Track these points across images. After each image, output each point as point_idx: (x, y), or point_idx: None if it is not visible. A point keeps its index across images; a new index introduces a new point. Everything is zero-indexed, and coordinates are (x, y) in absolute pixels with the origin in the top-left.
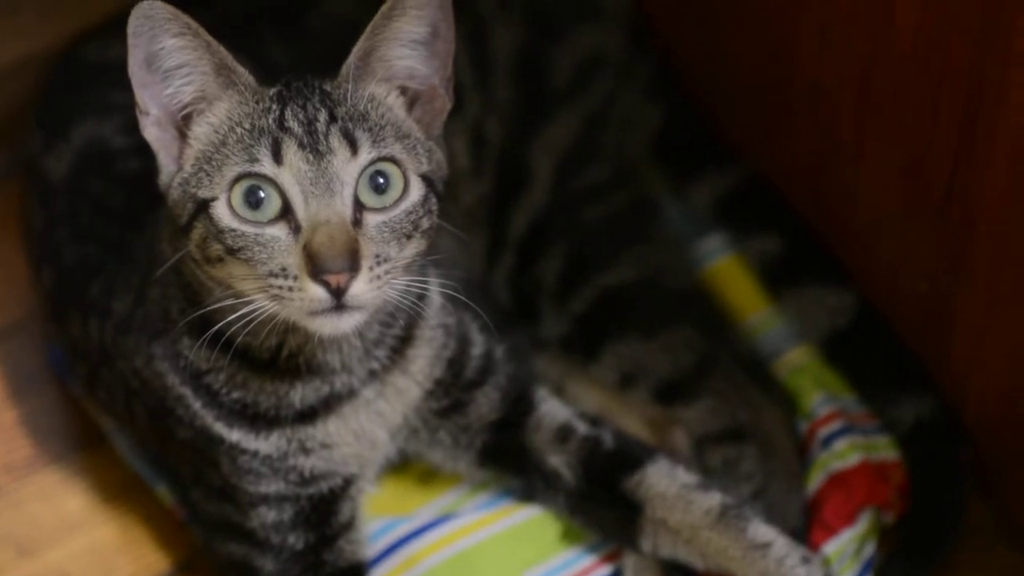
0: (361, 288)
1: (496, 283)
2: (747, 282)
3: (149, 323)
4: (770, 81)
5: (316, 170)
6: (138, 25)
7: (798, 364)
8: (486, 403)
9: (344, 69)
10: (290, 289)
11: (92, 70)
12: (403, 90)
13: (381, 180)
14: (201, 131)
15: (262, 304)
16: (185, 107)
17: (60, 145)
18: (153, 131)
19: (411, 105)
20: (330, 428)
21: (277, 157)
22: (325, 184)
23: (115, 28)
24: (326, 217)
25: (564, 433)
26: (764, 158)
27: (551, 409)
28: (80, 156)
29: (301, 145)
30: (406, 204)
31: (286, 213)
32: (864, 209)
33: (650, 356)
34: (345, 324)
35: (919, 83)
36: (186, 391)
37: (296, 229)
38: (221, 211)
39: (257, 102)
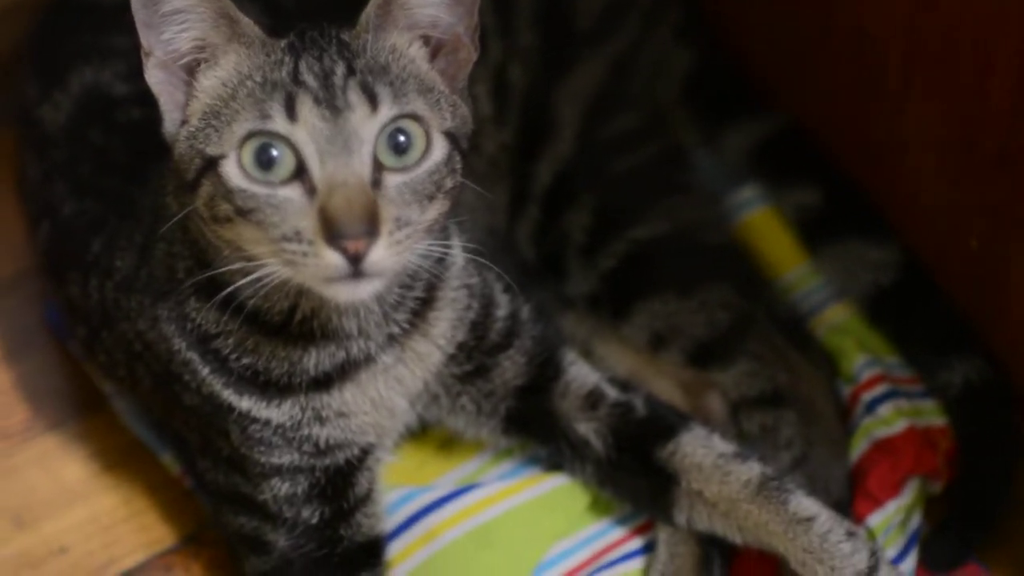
0: (380, 254)
1: (519, 238)
2: (784, 236)
3: (154, 283)
4: (809, 24)
5: (333, 127)
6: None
7: (839, 324)
8: (511, 367)
9: (363, 18)
10: (304, 254)
11: (91, 12)
12: (426, 40)
13: (402, 138)
14: (208, 84)
15: (274, 269)
16: (184, 56)
17: (57, 93)
18: (157, 74)
19: (434, 55)
20: (346, 396)
21: (291, 113)
22: (343, 142)
23: None
24: (343, 178)
25: (593, 399)
26: (801, 105)
27: (579, 373)
28: (79, 104)
29: (317, 100)
30: (428, 164)
31: (300, 173)
32: (910, 161)
33: (683, 315)
34: (363, 291)
35: (973, 29)
36: (193, 355)
37: (311, 191)
38: (230, 170)
39: (268, 54)
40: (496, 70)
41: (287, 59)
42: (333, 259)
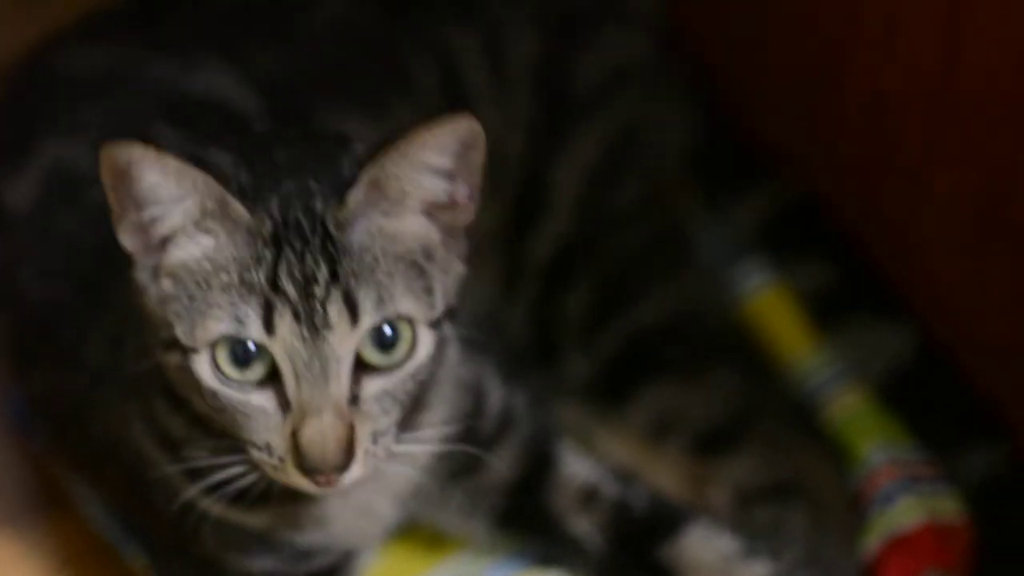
0: (354, 475)
1: (513, 319)
2: (793, 316)
3: (123, 379)
4: (821, 88)
5: (311, 348)
6: (111, 177)
7: (850, 407)
8: (504, 462)
9: (351, 202)
10: (274, 468)
11: (58, 82)
12: (421, 206)
13: (388, 332)
14: (180, 258)
15: (242, 471)
16: (163, 236)
17: (21, 170)
18: (128, 237)
19: (430, 214)
20: (328, 503)
21: (268, 325)
22: (320, 366)
23: (89, 31)
24: (318, 405)
25: (590, 494)
26: (813, 176)
27: (575, 466)
28: (46, 183)
29: (296, 315)
30: (412, 365)
31: (275, 379)
32: (930, 237)
33: (687, 402)
34: (339, 488)
35: (1008, 93)
36: (161, 458)
37: (285, 404)
38: (202, 368)
39: (248, 244)
40: (492, 143)
41: (267, 254)
42: (303, 483)
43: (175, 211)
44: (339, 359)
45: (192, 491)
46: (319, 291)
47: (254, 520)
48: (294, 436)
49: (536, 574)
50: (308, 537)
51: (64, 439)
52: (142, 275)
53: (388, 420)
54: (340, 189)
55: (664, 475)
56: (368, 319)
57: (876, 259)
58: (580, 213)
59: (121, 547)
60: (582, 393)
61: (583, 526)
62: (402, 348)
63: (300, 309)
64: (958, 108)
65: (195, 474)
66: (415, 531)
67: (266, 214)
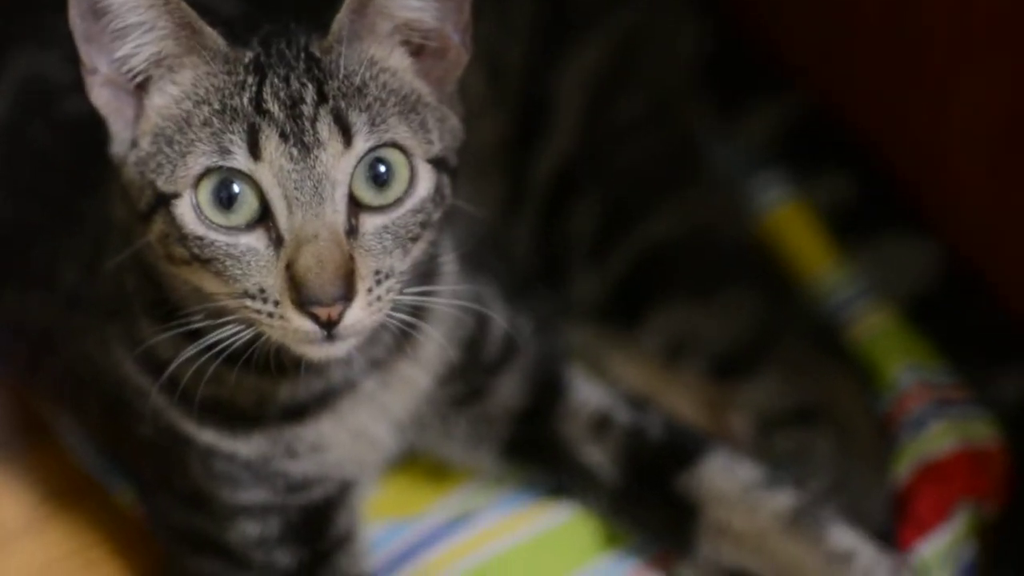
0: (357, 316)
1: (518, 240)
2: (813, 232)
3: (101, 300)
4: None
5: (302, 168)
6: (79, 10)
7: (876, 328)
8: (510, 389)
9: (335, 25)
10: (270, 315)
11: None
12: (409, 43)
13: (382, 168)
14: (161, 102)
15: (236, 329)
16: (139, 74)
17: None
18: (103, 93)
19: (418, 56)
20: (324, 427)
21: (254, 149)
22: (312, 187)
23: None
24: (314, 231)
25: (602, 422)
26: (830, 87)
27: (586, 393)
28: (17, 95)
29: (283, 135)
30: (412, 202)
31: (265, 218)
32: (955, 153)
33: (703, 322)
34: (337, 351)
35: None
36: (146, 382)
37: (277, 240)
38: (185, 212)
39: (229, 72)
40: (490, 51)
41: (250, 80)
42: (302, 324)
43: (146, 40)
44: (334, 182)
45: (177, 414)
46: (307, 110)
47: (245, 448)
48: (290, 270)
49: (546, 506)
50: (303, 465)
51: (38, 367)
52: (119, 147)
53: (391, 261)
54: (324, 27)
55: (680, 401)
56: (362, 141)
57: (897, 173)
58: (584, 125)
59: (106, 481)
60: (592, 315)
61: (595, 455)
62: (399, 185)
63: (288, 128)
64: (986, 9)
65: (183, 395)
66: (417, 462)
67: (246, 47)
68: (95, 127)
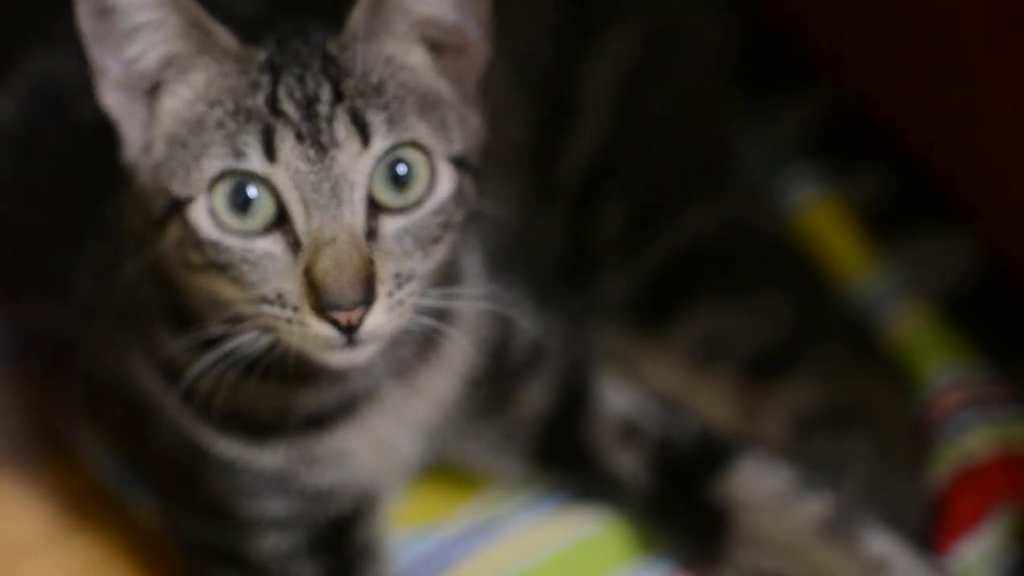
0: (378, 320)
1: (544, 240)
2: (848, 228)
3: (119, 307)
4: None
5: (319, 170)
6: (88, 11)
7: (912, 325)
8: (536, 394)
9: (351, 22)
10: (288, 321)
11: None
12: (428, 40)
13: (402, 169)
14: (173, 106)
15: (253, 335)
16: (148, 76)
17: (6, 84)
18: (114, 96)
19: (438, 54)
20: (346, 437)
21: (269, 151)
22: (330, 189)
23: None
24: (332, 234)
25: (631, 427)
26: (864, 78)
27: (614, 397)
28: (32, 96)
29: (299, 136)
30: (433, 202)
31: (282, 221)
32: (994, 141)
33: (736, 321)
34: (358, 357)
35: None
36: (164, 392)
37: (295, 244)
38: (200, 217)
39: (242, 72)
40: (516, 48)
41: (264, 80)
42: (322, 330)
43: (156, 40)
44: (352, 183)
45: (196, 425)
46: (323, 109)
47: (266, 459)
48: (308, 275)
49: (574, 512)
50: (325, 476)
51: (57, 375)
52: (131, 152)
53: (412, 264)
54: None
55: (713, 403)
56: (381, 140)
57: (934, 167)
58: (613, 122)
59: (125, 493)
60: (622, 315)
61: (624, 462)
62: (419, 186)
63: (303, 129)
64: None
65: (201, 405)
66: (443, 470)
67: (259, 46)
68: (111, 130)
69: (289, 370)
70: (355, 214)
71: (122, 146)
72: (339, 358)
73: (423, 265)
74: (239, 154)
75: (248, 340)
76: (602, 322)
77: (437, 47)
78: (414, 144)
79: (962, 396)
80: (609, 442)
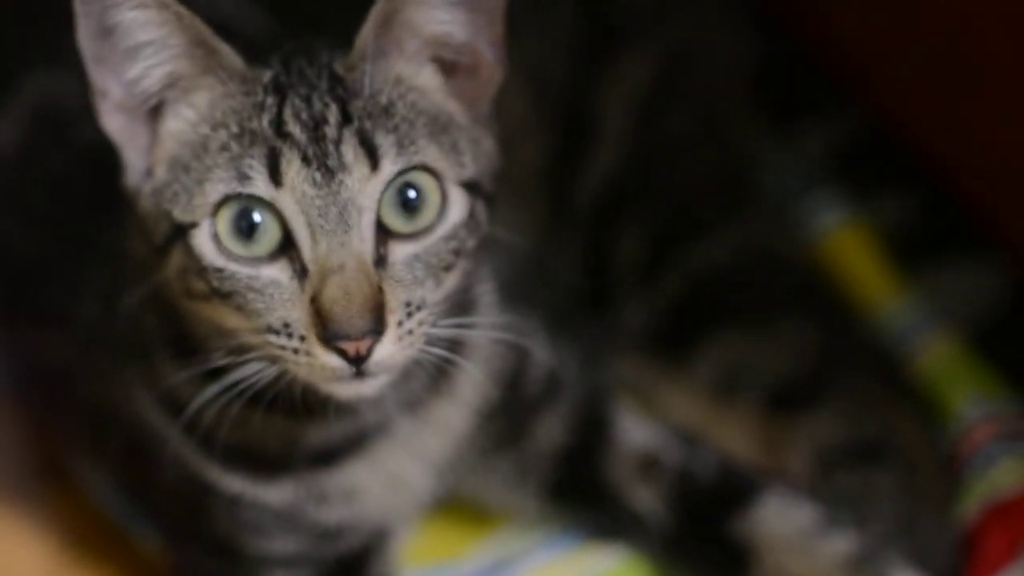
0: (387, 351)
1: (561, 267)
2: (872, 255)
3: (121, 336)
4: (898, 4)
5: (326, 194)
6: (89, 30)
7: (941, 357)
8: (552, 427)
9: (359, 42)
10: (295, 351)
11: (42, 10)
12: (438, 61)
13: (412, 194)
14: (175, 127)
15: (259, 367)
16: (152, 97)
17: (6, 107)
18: (115, 119)
19: (449, 75)
20: (356, 472)
21: (275, 175)
22: (337, 214)
23: None
24: (339, 260)
25: (650, 462)
26: (890, 100)
27: (633, 431)
28: (33, 119)
29: (306, 159)
30: (445, 228)
31: (288, 247)
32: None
33: (759, 351)
34: (367, 389)
35: None
36: (167, 425)
37: (302, 272)
38: (203, 243)
39: (247, 93)
40: (532, 70)
41: (270, 101)
42: (330, 360)
43: (159, 60)
44: (360, 208)
45: (201, 461)
46: (331, 132)
47: (273, 495)
48: (315, 303)
49: (591, 550)
50: (334, 513)
51: (58, 407)
52: (133, 177)
53: (423, 292)
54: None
55: (734, 436)
56: (390, 164)
57: (962, 191)
58: (631, 145)
59: (129, 527)
60: (640, 345)
61: (643, 498)
62: (430, 211)
63: (310, 152)
64: None
65: (206, 440)
66: (456, 506)
67: (265, 66)
68: (112, 155)
69: (296, 402)
70: (364, 240)
71: (123, 171)
72: (347, 390)
73: (434, 293)
74: (244, 178)
75: (253, 371)
76: (620, 352)
77: (448, 68)
78: (424, 168)
79: (992, 430)
80: (627, 477)
